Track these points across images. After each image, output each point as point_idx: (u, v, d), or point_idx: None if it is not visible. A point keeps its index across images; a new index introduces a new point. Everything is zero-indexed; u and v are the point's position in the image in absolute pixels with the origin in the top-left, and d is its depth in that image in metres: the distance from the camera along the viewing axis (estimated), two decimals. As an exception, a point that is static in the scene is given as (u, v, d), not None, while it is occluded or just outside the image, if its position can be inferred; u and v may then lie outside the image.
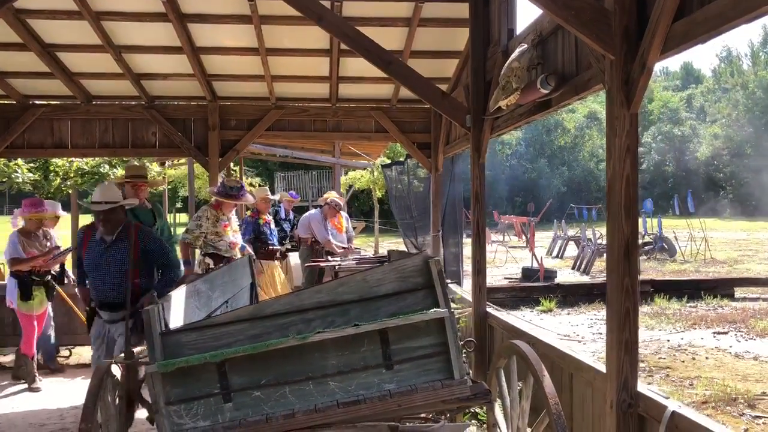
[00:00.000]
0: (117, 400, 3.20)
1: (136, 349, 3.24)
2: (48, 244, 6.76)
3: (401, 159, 14.16)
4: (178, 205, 32.35)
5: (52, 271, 6.80)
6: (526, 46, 4.48)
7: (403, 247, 14.31)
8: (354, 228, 15.74)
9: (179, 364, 2.82)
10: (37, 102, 7.88)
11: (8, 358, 7.39)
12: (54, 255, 6.69)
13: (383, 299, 3.01)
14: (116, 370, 3.17)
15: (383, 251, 15.94)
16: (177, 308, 3.37)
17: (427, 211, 9.44)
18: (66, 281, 7.01)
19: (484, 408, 4.48)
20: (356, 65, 7.15)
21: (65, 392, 6.32)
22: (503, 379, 3.63)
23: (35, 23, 6.55)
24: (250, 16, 6.27)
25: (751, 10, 2.29)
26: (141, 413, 3.34)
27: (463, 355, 3.61)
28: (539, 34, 4.48)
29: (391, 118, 8.24)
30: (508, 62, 4.55)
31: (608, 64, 3.21)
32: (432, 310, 2.94)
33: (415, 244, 11.07)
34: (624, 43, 3.11)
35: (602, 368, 3.48)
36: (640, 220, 22.08)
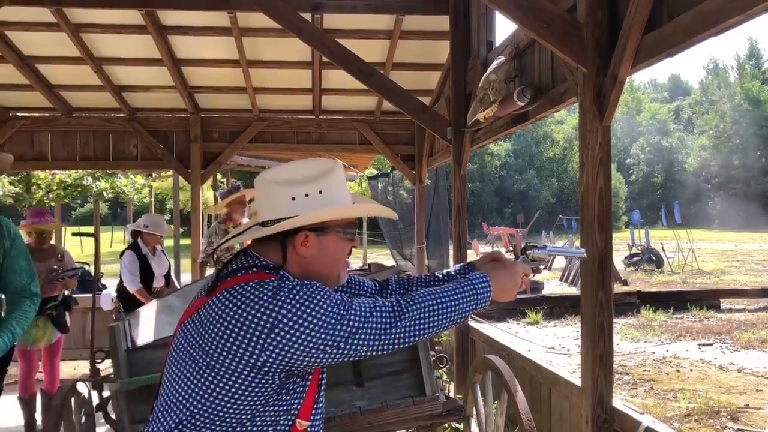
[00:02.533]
0: (83, 418, 3.13)
1: (102, 366, 3.18)
2: (56, 265, 5.32)
3: (387, 171, 14.17)
4: (166, 217, 32.16)
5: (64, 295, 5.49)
6: (503, 58, 4.47)
7: (391, 260, 14.27)
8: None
9: (144, 381, 2.76)
10: (17, 114, 7.81)
11: None
12: (53, 277, 5.20)
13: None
14: (82, 388, 3.11)
15: (368, 263, 15.87)
16: (146, 324, 3.32)
17: (413, 222, 9.42)
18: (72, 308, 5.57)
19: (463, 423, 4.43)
20: (339, 77, 7.12)
21: (41, 409, 6.20)
22: (479, 394, 3.58)
23: (14, 35, 6.50)
24: (230, 28, 6.25)
25: (715, 24, 2.29)
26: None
27: (444, 370, 3.57)
28: (516, 47, 4.48)
29: (374, 130, 8.22)
30: (485, 75, 4.55)
31: (581, 77, 3.20)
32: (402, 325, 2.90)
33: (404, 256, 11.05)
34: (596, 56, 3.10)
35: (579, 382, 3.44)
36: (629, 232, 22.23)
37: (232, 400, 1.49)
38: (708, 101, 57.67)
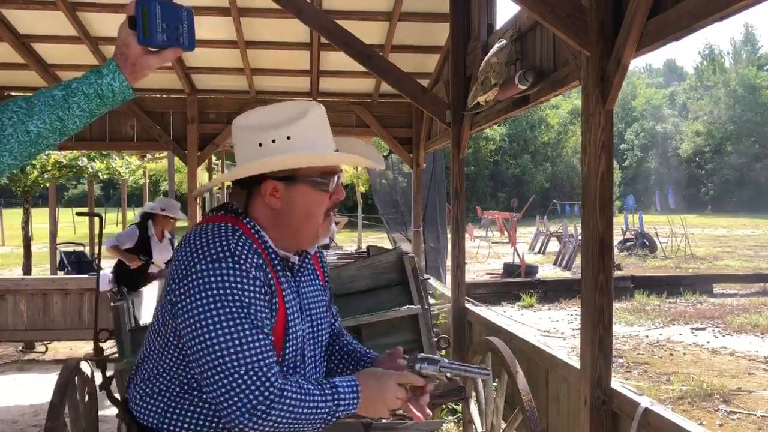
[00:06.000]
0: (86, 397, 3.15)
1: (106, 345, 3.19)
2: None
3: (385, 154, 14.15)
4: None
5: None
6: (504, 41, 4.46)
7: (386, 242, 14.30)
8: (337, 223, 15.74)
9: (148, 361, 2.77)
10: (12, 93, 7.75)
11: None
12: None
13: (357, 295, 2.99)
14: (85, 367, 3.12)
15: (365, 246, 15.90)
16: (148, 304, 3.33)
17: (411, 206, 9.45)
18: None
19: (461, 404, 4.48)
20: (337, 59, 7.10)
21: (39, 388, 6.24)
22: (478, 375, 3.62)
23: (9, 13, 6.42)
24: (229, 8, 6.20)
25: (722, 8, 2.28)
26: (111, 411, 3.29)
27: (441, 351, 3.61)
28: (518, 30, 4.47)
29: (372, 113, 8.19)
30: (486, 58, 4.54)
31: (584, 61, 3.20)
32: (405, 306, 2.93)
33: (408, 238, 11.07)
34: (600, 40, 3.10)
35: (577, 364, 3.48)
36: (622, 217, 22.33)
37: (179, 349, 1.46)
38: (703, 87, 57.68)
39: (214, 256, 1.41)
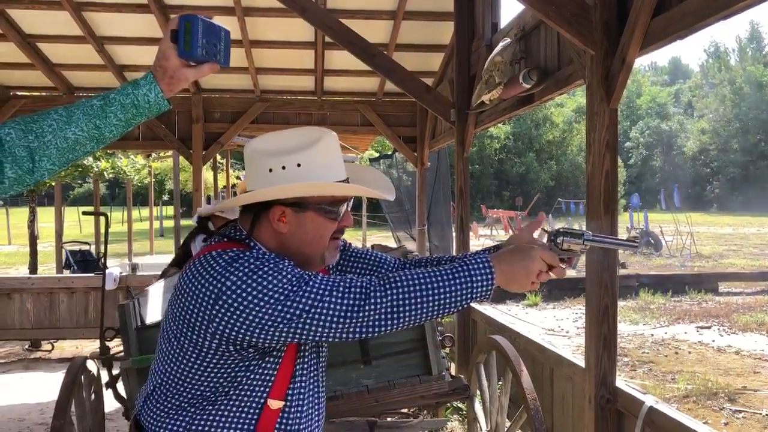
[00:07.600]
0: (92, 395, 3.17)
1: (112, 344, 3.21)
2: None
3: (389, 152, 14.16)
4: (165, 197, 32.13)
5: None
6: (509, 40, 4.46)
7: (391, 241, 14.31)
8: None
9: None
10: (17, 93, 7.78)
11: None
12: None
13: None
14: (92, 366, 3.14)
15: (369, 245, 15.90)
16: (154, 303, 3.34)
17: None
18: None
19: (466, 403, 4.49)
20: (341, 58, 7.11)
21: (46, 386, 6.27)
22: (483, 374, 3.62)
23: (15, 13, 6.45)
24: (233, 8, 6.22)
25: (726, 7, 2.28)
26: (117, 408, 3.30)
27: (445, 350, 3.61)
28: (522, 29, 4.47)
29: (376, 112, 8.19)
30: (491, 57, 4.54)
31: (589, 59, 3.20)
32: (410, 305, 2.93)
33: (413, 237, 11.09)
34: (604, 39, 3.10)
35: (582, 363, 3.48)
36: (627, 215, 22.25)
37: (194, 368, 1.46)
38: (708, 84, 57.51)
39: (240, 267, 1.42)
